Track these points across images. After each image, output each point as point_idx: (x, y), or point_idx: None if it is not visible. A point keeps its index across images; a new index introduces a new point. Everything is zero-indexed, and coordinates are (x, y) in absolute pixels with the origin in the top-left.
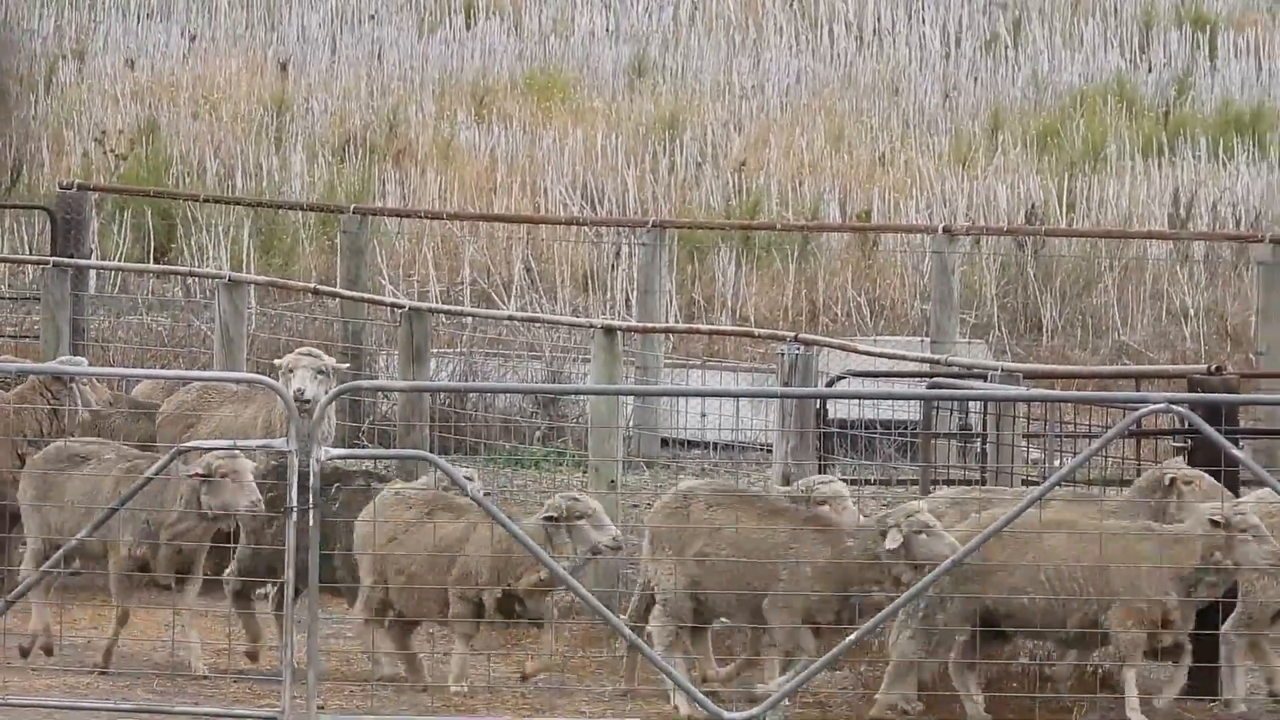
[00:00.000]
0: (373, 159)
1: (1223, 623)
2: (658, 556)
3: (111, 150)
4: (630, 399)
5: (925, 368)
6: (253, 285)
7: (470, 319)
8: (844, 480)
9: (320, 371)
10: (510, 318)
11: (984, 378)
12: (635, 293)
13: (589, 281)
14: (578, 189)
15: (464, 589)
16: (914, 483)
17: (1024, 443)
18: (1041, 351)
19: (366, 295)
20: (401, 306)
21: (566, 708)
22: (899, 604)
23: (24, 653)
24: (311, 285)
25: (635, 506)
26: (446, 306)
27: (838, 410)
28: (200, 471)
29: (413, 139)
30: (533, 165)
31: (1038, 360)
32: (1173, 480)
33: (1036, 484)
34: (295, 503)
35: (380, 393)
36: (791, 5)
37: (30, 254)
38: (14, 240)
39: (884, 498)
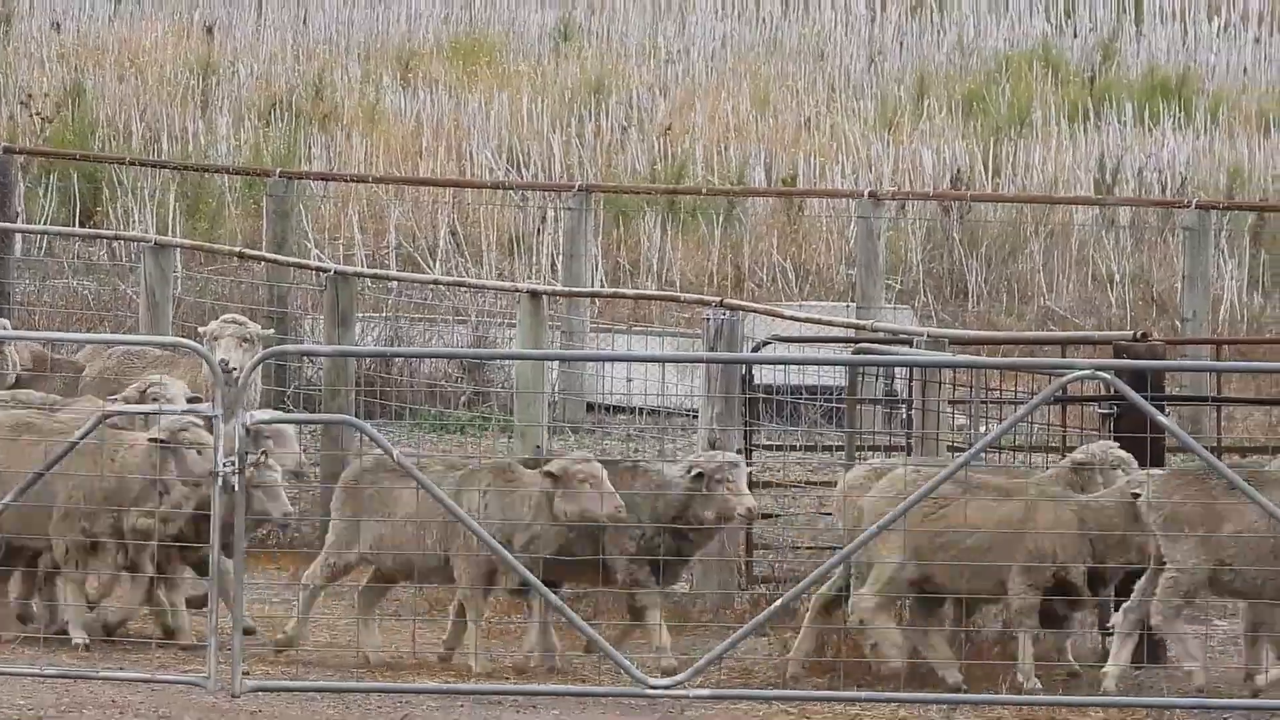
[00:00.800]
0: (298, 123)
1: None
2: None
3: (37, 114)
4: (556, 364)
5: (851, 333)
6: (178, 249)
7: (396, 283)
8: (770, 446)
9: (245, 339)
10: (436, 282)
11: (910, 343)
12: (561, 257)
13: (515, 246)
14: (503, 153)
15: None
16: (839, 448)
17: (949, 409)
18: (967, 317)
19: (292, 259)
20: (327, 270)
21: (488, 673)
22: (823, 570)
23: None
24: (237, 249)
25: None
26: (372, 270)
27: (763, 376)
28: (163, 438)
29: (338, 103)
30: (458, 129)
31: (963, 326)
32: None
33: (962, 450)
34: (221, 468)
35: (306, 357)
36: None
37: None
38: None
39: (809, 463)
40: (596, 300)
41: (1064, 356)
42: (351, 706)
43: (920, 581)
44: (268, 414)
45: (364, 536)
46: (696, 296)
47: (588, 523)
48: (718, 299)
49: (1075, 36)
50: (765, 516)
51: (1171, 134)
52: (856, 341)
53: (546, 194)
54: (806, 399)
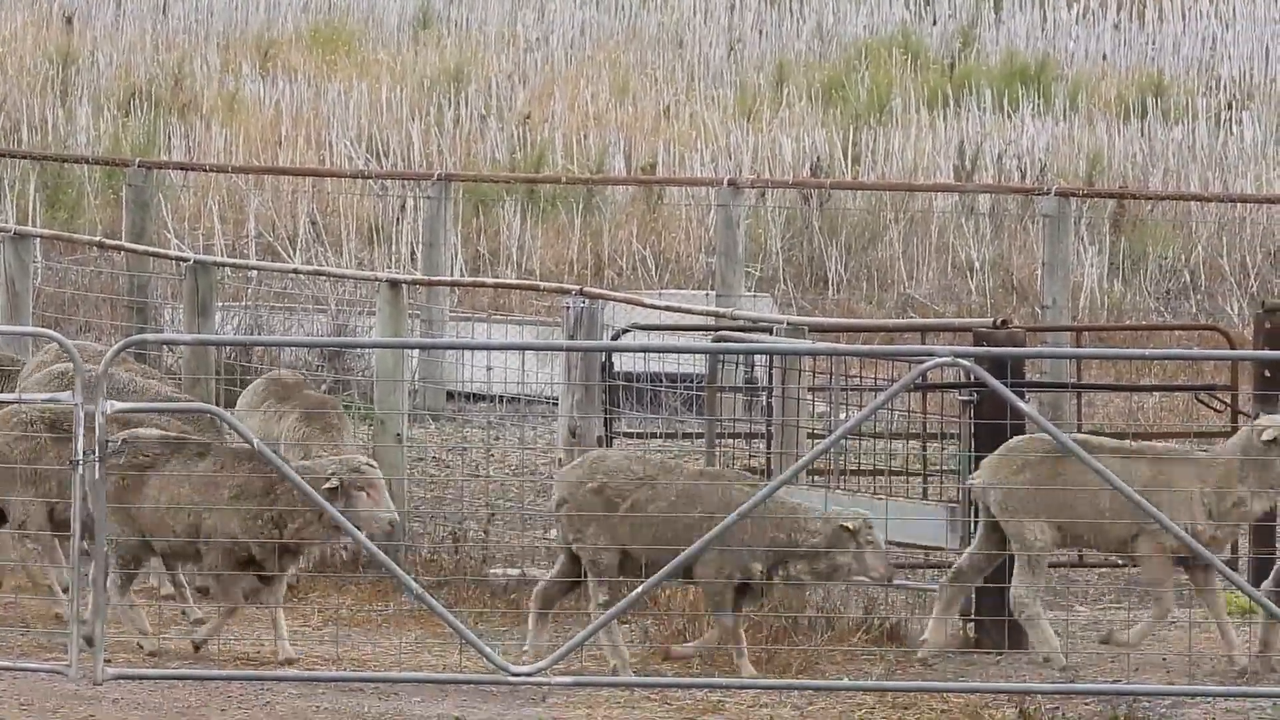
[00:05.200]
0: (158, 113)
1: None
2: None
3: None
4: (416, 352)
5: (711, 321)
6: (38, 239)
7: (256, 272)
8: (629, 434)
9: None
10: (296, 271)
11: (769, 331)
12: (420, 246)
13: (374, 235)
14: (363, 142)
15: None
16: (700, 436)
17: (810, 396)
18: (827, 305)
19: (152, 249)
20: (187, 260)
21: (349, 658)
22: (684, 558)
23: None
24: (97, 239)
25: (421, 460)
26: (232, 260)
27: (623, 364)
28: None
29: (198, 92)
30: (318, 118)
31: (823, 314)
32: None
33: (822, 437)
34: (81, 456)
35: (166, 346)
36: None
37: None
38: None
39: (670, 451)
40: (456, 289)
41: (924, 344)
42: (213, 694)
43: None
44: (126, 405)
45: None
46: (556, 285)
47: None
48: (577, 287)
49: (934, 23)
50: None
51: (1031, 121)
52: (716, 329)
53: (406, 183)
54: (667, 387)
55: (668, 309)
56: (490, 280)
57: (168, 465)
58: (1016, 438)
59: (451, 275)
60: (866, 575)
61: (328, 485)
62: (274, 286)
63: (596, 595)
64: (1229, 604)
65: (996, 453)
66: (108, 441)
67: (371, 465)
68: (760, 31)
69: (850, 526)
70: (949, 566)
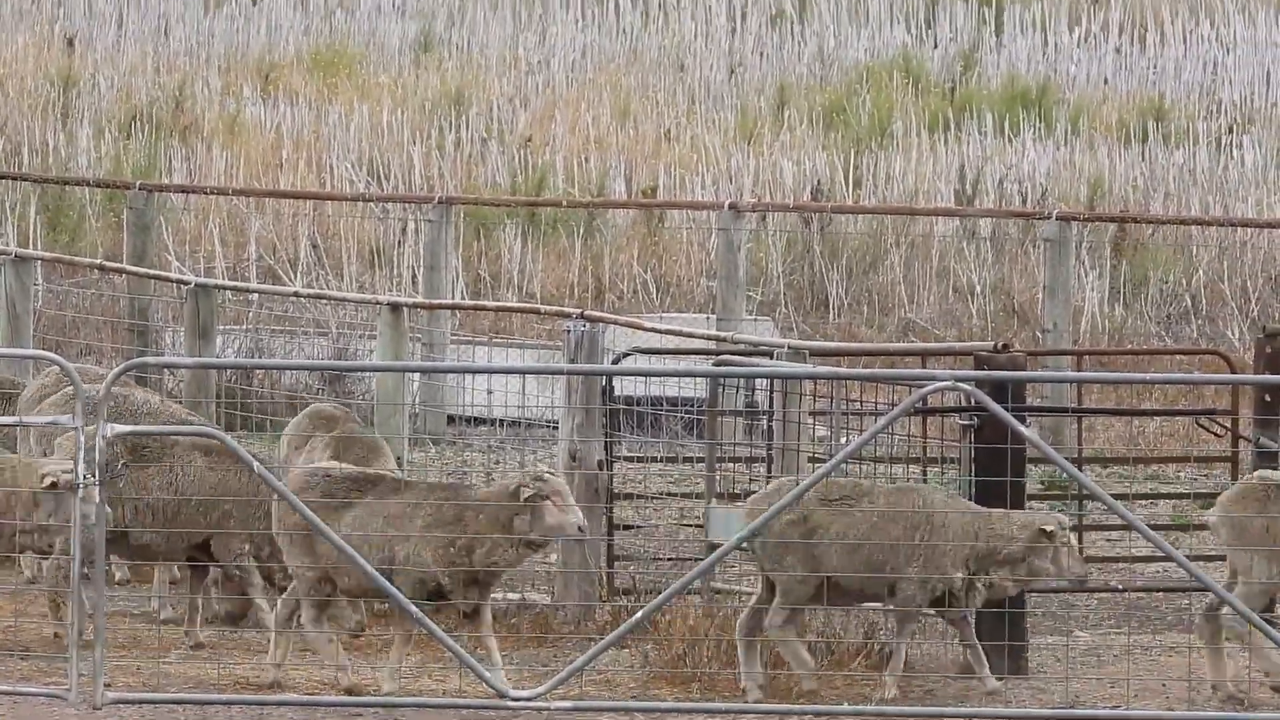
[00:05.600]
0: (159, 135)
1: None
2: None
3: None
4: (416, 376)
5: (712, 345)
6: (39, 261)
7: (256, 295)
8: (630, 458)
9: None
10: (296, 294)
11: (770, 355)
12: (421, 269)
13: (375, 258)
14: (364, 165)
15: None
16: (700, 460)
17: (810, 420)
18: (828, 329)
19: (153, 272)
20: (188, 283)
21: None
22: (684, 582)
23: None
24: (98, 261)
25: None
26: (233, 283)
27: (624, 387)
28: None
29: (199, 115)
30: (319, 141)
31: (824, 337)
32: None
33: (823, 461)
34: (82, 479)
35: (167, 369)
36: None
37: None
38: None
39: (670, 475)
40: (457, 312)
41: (925, 368)
42: (214, 718)
43: None
44: (127, 428)
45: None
46: (557, 309)
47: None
48: (578, 311)
49: (936, 47)
50: (625, 528)
51: (1032, 145)
52: (717, 353)
53: (407, 206)
54: (667, 410)
55: (669, 332)
56: (491, 304)
57: (362, 501)
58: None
59: (452, 298)
60: (1064, 576)
61: (525, 496)
62: (275, 310)
63: (775, 617)
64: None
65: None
66: (108, 464)
67: (553, 473)
68: (761, 55)
69: (1048, 529)
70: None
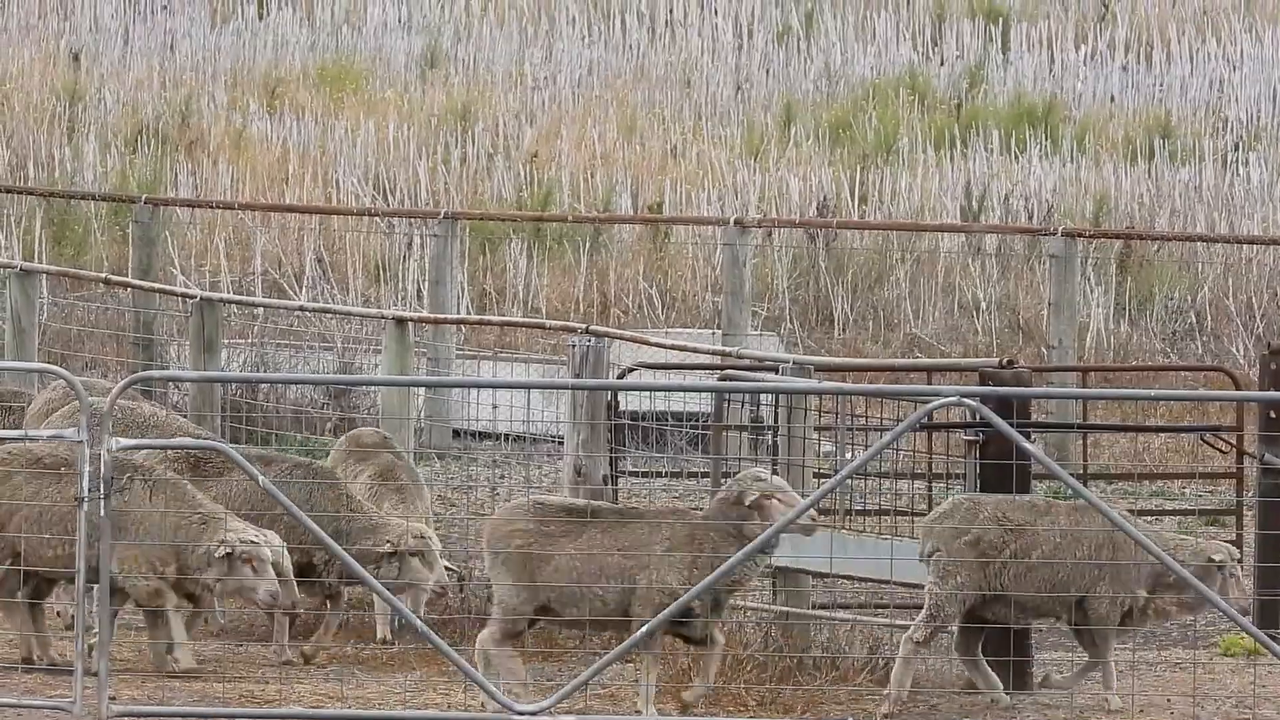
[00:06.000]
0: (165, 150)
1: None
2: None
3: None
4: (422, 390)
5: (717, 360)
6: (44, 275)
7: (262, 309)
8: (635, 473)
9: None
10: (302, 308)
11: (775, 370)
12: (427, 284)
13: (380, 272)
14: (369, 180)
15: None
16: (705, 475)
17: (816, 435)
18: (833, 344)
19: (158, 285)
20: (193, 296)
21: (354, 696)
22: (689, 597)
23: None
24: (103, 275)
25: None
26: (238, 297)
27: (629, 402)
28: None
29: (205, 130)
30: (325, 156)
31: (829, 353)
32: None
33: (828, 477)
34: (86, 494)
35: (171, 383)
36: None
37: None
38: None
39: (675, 490)
40: (462, 327)
41: (930, 383)
42: None
43: None
44: (131, 442)
45: None
46: (562, 323)
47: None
48: (583, 326)
49: (942, 64)
50: None
51: (1038, 161)
52: (722, 368)
53: (412, 221)
54: (672, 425)
55: (674, 348)
56: (496, 318)
57: (584, 532)
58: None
59: (458, 313)
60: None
61: (749, 501)
62: (280, 324)
63: (916, 632)
64: (1234, 645)
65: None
66: (112, 478)
67: (766, 471)
68: (768, 71)
69: (1217, 558)
70: None
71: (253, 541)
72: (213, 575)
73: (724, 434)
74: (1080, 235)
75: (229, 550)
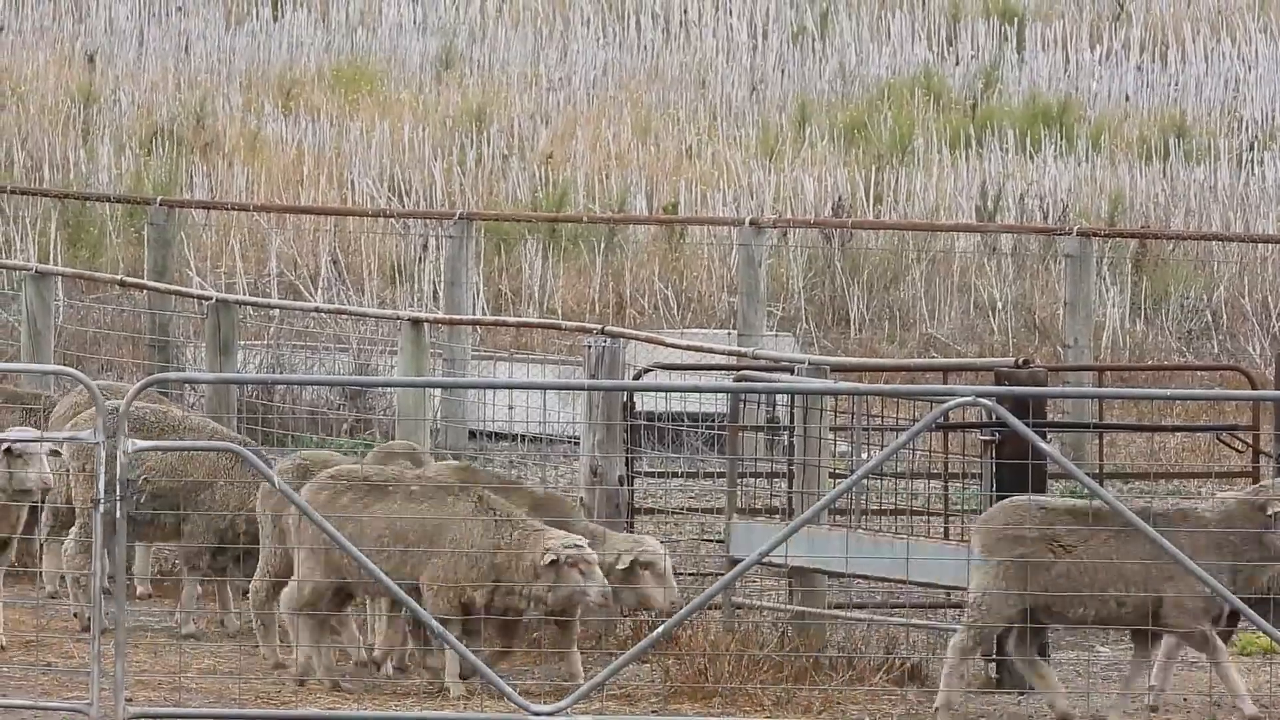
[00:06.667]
0: (180, 151)
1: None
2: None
3: None
4: (437, 391)
5: (732, 360)
6: (60, 277)
7: (277, 311)
8: (651, 473)
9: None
10: (317, 309)
11: (791, 370)
12: (442, 285)
13: (396, 273)
14: (385, 181)
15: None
16: (721, 475)
17: (831, 435)
18: (849, 344)
19: (174, 287)
20: (209, 298)
21: (372, 698)
22: (705, 598)
23: None
24: (119, 277)
25: None
26: (254, 298)
27: (645, 403)
28: None
29: (220, 131)
30: (340, 157)
31: (845, 353)
32: None
33: (844, 477)
34: (103, 496)
35: (187, 385)
36: None
37: None
38: None
39: (691, 490)
40: (478, 328)
41: (946, 383)
42: None
43: None
44: (148, 444)
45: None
46: (578, 324)
47: None
48: (599, 326)
49: (957, 64)
50: None
51: (1053, 161)
52: (738, 369)
53: (428, 222)
54: (688, 426)
55: (689, 348)
56: (512, 319)
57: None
58: None
59: (473, 314)
60: None
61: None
62: (296, 325)
63: (962, 639)
64: (1250, 644)
65: None
66: (129, 480)
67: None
68: (783, 72)
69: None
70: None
71: (576, 545)
72: (542, 585)
73: (740, 434)
74: (1095, 235)
75: (554, 558)
